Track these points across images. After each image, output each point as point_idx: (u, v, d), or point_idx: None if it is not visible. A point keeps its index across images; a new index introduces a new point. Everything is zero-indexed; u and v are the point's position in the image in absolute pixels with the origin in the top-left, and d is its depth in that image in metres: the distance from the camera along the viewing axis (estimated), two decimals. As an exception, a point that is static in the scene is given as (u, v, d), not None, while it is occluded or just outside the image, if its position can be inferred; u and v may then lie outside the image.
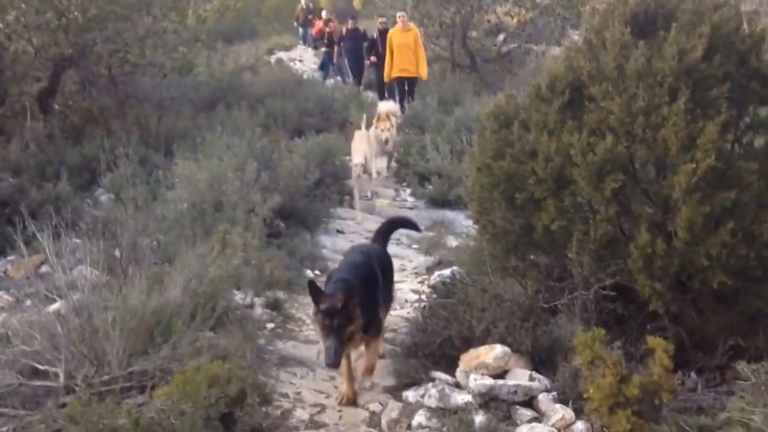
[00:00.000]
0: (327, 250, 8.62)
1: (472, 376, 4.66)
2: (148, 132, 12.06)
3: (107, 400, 4.28)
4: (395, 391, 5.12)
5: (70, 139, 11.57)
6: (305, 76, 19.32)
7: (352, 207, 10.39)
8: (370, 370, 5.20)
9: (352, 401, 5.04)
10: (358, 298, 4.81)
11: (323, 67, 21.07)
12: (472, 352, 4.85)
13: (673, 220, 4.76)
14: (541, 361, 4.96)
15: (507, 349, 4.80)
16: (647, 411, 4.07)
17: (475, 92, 15.55)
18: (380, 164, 11.75)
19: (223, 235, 6.86)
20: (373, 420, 4.85)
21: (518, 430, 4.34)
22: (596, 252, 4.99)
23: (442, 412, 4.62)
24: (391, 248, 9.31)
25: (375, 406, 5.00)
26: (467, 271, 6.27)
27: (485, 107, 6.14)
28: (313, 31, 24.41)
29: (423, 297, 6.29)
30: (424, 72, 15.04)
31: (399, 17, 15.02)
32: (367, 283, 5.16)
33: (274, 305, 6.61)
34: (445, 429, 4.49)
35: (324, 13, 23.57)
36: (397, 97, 15.01)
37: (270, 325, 6.30)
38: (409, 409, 4.79)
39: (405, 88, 15.14)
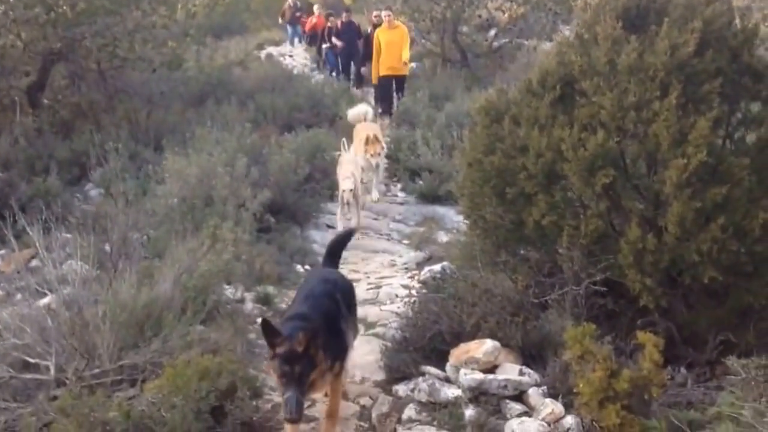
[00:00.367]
0: (317, 245, 8.62)
1: (462, 371, 4.67)
2: (138, 127, 12.07)
3: (98, 393, 4.28)
4: (386, 386, 5.12)
5: (60, 133, 11.63)
6: (295, 72, 19.23)
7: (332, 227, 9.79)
8: (333, 416, 4.44)
9: None
10: (321, 338, 4.05)
11: (330, 62, 20.31)
12: (463, 347, 4.86)
13: (664, 215, 4.77)
14: (531, 355, 4.96)
15: (497, 344, 4.81)
16: (637, 405, 4.09)
17: (466, 87, 15.51)
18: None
19: (214, 229, 6.86)
20: (364, 414, 4.85)
21: (508, 424, 4.35)
22: (587, 247, 5.00)
23: (433, 406, 4.65)
24: (382, 244, 9.46)
25: (365, 400, 5.00)
26: (458, 266, 6.28)
27: (476, 102, 6.11)
28: (306, 27, 24.22)
29: (413, 292, 6.29)
30: (406, 56, 14.66)
31: (384, 16, 14.97)
32: (330, 317, 4.44)
33: (265, 300, 6.64)
34: (435, 423, 4.52)
35: (316, 9, 23.41)
36: (382, 97, 14.93)
37: (260, 320, 6.27)
38: (400, 404, 4.82)
39: (393, 87, 15.03)
